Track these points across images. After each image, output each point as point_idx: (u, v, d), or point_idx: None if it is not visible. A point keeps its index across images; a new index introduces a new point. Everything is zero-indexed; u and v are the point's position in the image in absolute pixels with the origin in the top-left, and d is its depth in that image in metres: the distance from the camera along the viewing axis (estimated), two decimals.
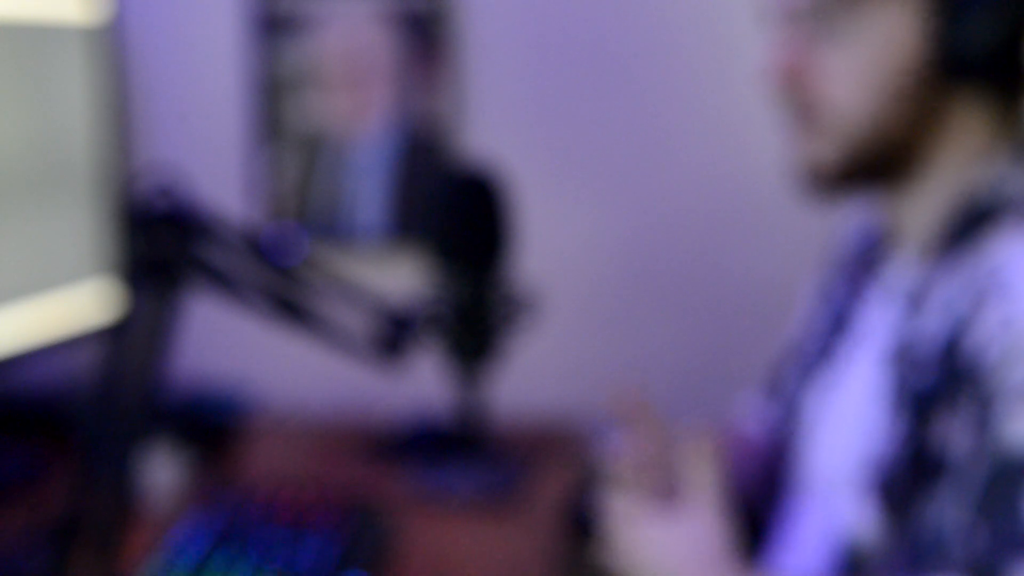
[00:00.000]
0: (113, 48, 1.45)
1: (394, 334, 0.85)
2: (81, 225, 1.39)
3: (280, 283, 0.84)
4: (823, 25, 0.85)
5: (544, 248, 1.37)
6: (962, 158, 0.86)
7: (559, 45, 1.52)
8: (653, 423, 0.96)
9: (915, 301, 0.85)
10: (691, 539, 0.85)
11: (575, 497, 1.18)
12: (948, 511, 0.76)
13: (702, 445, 0.86)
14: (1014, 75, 0.84)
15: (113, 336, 0.82)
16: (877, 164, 0.88)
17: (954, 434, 0.77)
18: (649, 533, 0.86)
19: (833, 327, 0.99)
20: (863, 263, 0.98)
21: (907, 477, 0.81)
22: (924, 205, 0.88)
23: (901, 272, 0.90)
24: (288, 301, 0.84)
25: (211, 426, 1.39)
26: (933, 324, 0.82)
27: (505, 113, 1.54)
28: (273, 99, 1.57)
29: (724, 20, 1.47)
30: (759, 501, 1.07)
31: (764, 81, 0.91)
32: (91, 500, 0.81)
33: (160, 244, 0.81)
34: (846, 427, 0.90)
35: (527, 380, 1.47)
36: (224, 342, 1.50)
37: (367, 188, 1.57)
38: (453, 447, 1.37)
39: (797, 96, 0.88)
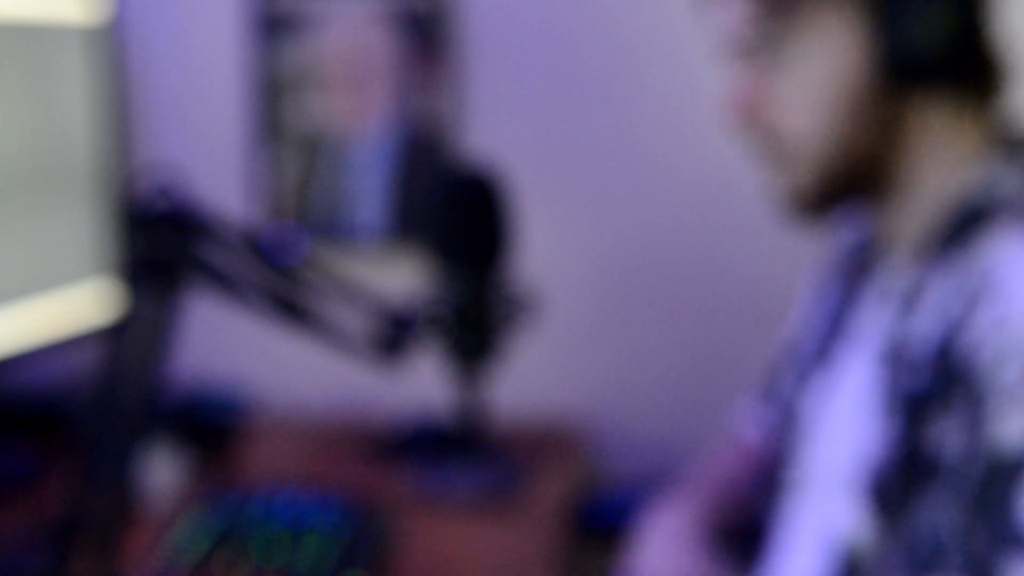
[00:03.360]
0: (113, 48, 1.45)
1: (394, 334, 0.85)
2: (81, 225, 1.39)
3: (280, 283, 0.84)
4: (770, 55, 0.84)
5: (544, 248, 1.37)
6: (945, 161, 0.85)
7: (559, 45, 1.53)
8: None
9: (908, 302, 0.85)
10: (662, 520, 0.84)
11: (577, 499, 1.18)
12: (943, 512, 0.76)
13: None
14: (979, 71, 0.83)
15: (113, 336, 0.82)
16: (854, 181, 0.87)
17: (948, 435, 0.77)
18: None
19: (829, 329, 0.98)
20: (857, 264, 0.98)
21: (901, 479, 0.81)
22: (912, 211, 0.87)
23: (894, 273, 0.89)
24: (288, 301, 0.84)
25: (211, 426, 1.39)
26: (926, 325, 0.81)
27: (505, 113, 1.54)
28: (273, 99, 1.57)
29: None
30: (758, 506, 1.06)
31: (726, 118, 0.90)
32: (91, 500, 0.81)
33: (160, 244, 0.81)
34: (841, 429, 0.89)
35: (527, 380, 1.48)
36: (224, 342, 1.50)
37: (367, 188, 1.57)
38: (453, 447, 1.37)
39: (758, 131, 0.88)
